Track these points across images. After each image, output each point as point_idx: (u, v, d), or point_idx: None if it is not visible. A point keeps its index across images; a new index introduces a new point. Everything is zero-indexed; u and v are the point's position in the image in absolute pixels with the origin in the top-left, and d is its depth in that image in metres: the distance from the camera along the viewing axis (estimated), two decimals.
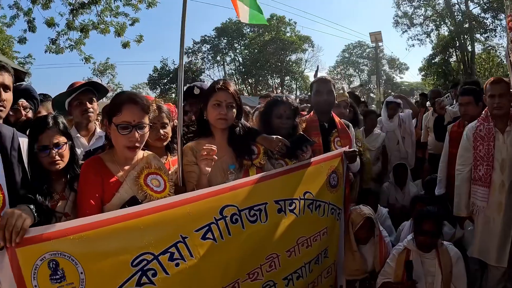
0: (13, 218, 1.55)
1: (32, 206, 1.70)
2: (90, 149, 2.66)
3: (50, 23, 12.60)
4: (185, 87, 3.22)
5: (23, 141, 2.09)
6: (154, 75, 48.85)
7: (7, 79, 2.16)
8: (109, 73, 50.55)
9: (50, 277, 1.58)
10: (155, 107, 2.48)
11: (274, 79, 47.81)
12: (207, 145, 2.27)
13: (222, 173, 2.44)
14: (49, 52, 13.13)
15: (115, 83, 53.51)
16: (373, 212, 3.34)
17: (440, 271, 2.98)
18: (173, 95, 47.76)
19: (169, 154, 2.66)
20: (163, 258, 1.83)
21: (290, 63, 46.43)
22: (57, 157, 2.11)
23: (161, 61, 49.24)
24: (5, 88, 2.14)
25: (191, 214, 1.96)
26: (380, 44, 31.05)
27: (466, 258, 3.39)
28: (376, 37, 29.65)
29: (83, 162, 2.26)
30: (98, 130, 3.04)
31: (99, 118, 3.82)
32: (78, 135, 2.86)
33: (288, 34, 45.57)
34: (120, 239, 1.74)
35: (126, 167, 2.14)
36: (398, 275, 3.05)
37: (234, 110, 2.53)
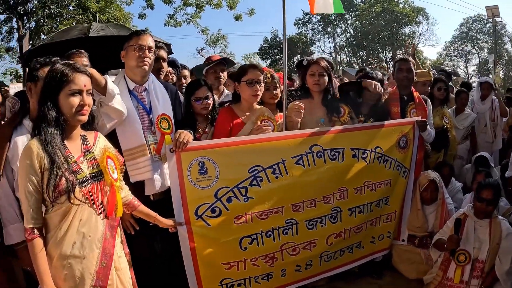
0: (183, 134, 2.62)
1: (191, 131, 2.76)
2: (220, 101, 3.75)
3: (167, 0, 14.15)
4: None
5: None
6: (264, 45, 49.91)
7: (165, 54, 3.53)
8: (221, 43, 53.02)
9: (198, 171, 2.67)
10: (269, 75, 3.41)
11: (385, 53, 46.05)
12: (298, 102, 3.18)
13: (315, 125, 3.29)
14: (168, 26, 15.03)
15: (227, 52, 55.86)
16: (438, 177, 3.77)
17: (489, 240, 3.20)
18: (282, 64, 48.51)
19: (278, 110, 3.53)
20: (268, 171, 2.83)
21: (403, 37, 43.73)
22: (208, 105, 3.15)
23: (271, 32, 49.98)
24: (164, 60, 3.49)
25: (290, 146, 2.93)
26: (498, 19, 27.61)
27: None
28: (493, 11, 26.08)
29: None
30: (226, 91, 4.15)
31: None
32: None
33: (400, 6, 42.66)
34: (243, 153, 2.79)
35: (248, 113, 3.12)
36: None
37: (326, 78, 3.38)
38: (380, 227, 3.60)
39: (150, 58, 2.81)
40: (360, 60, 46.31)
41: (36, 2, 22.63)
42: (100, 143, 2.16)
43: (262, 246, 2.90)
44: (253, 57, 53.81)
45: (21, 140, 2.36)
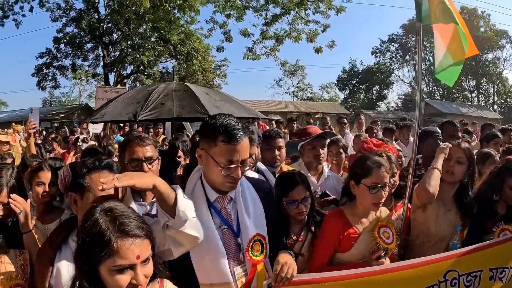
0: (286, 267, 2.01)
1: (293, 253, 2.18)
2: (324, 191, 3.15)
3: (245, 34, 14.30)
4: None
5: None
6: (342, 76, 49.75)
7: (257, 149, 2.85)
8: (299, 73, 54.14)
9: None
10: (385, 155, 2.84)
11: (468, 81, 43.64)
12: None
13: (448, 224, 2.76)
14: (247, 59, 15.21)
15: (305, 83, 56.97)
16: None
17: None
18: (361, 95, 48.18)
19: (393, 199, 2.98)
20: None
21: (486, 63, 41.37)
22: (304, 209, 2.58)
23: (349, 62, 50.03)
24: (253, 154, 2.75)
25: (421, 275, 2.32)
26: None
27: None
28: None
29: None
30: (326, 169, 3.51)
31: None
32: (309, 174, 3.33)
33: (482, 30, 40.49)
34: None
35: (364, 220, 2.54)
36: None
37: (464, 166, 2.77)
38: None
39: (243, 172, 2.06)
40: (441, 89, 44.22)
41: (120, 33, 24.04)
42: None
43: None
44: (330, 87, 53.81)
45: (66, 267, 1.83)
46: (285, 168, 3.82)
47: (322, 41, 14.54)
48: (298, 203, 2.55)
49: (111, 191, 1.69)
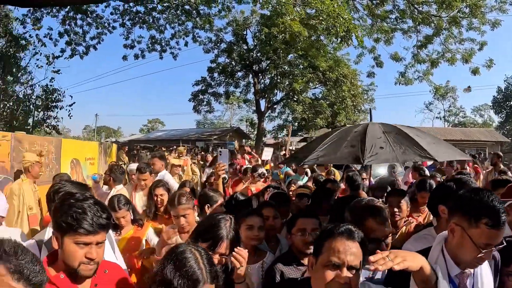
0: None
1: None
2: None
3: (395, 58, 13.89)
4: None
5: None
6: (498, 96, 44.95)
7: None
8: (450, 96, 50.17)
9: None
10: None
11: None
12: None
13: None
14: (399, 84, 14.65)
15: (457, 106, 52.94)
16: None
17: None
18: None
19: None
20: None
21: None
22: None
23: (505, 80, 44.96)
24: None
25: None
26: None
27: None
28: None
29: None
30: None
31: None
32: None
33: None
34: None
35: None
36: None
37: None
38: None
39: None
40: None
41: (269, 62, 25.64)
42: None
43: None
44: (484, 110, 48.50)
45: None
46: None
47: (478, 60, 13.27)
48: None
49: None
